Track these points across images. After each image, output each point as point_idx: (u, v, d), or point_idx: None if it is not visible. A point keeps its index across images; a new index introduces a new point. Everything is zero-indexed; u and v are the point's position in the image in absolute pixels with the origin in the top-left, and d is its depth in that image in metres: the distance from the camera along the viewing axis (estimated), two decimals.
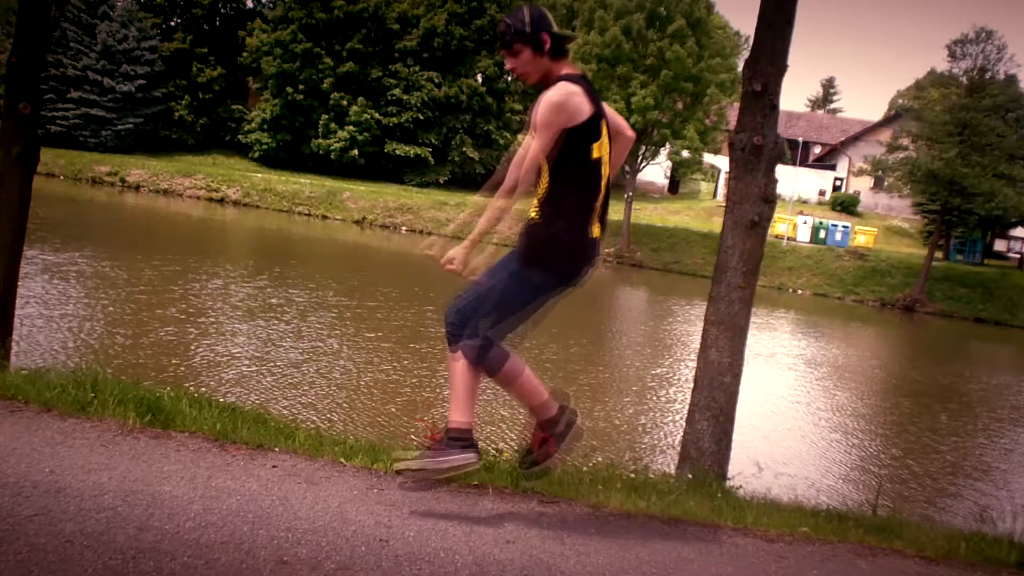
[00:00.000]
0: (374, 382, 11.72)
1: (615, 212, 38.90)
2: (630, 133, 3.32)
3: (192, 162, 44.30)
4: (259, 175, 42.27)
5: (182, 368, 10.93)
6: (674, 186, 51.74)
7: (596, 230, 3.09)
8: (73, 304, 13.92)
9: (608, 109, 3.17)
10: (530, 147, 2.97)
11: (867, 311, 31.14)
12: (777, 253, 33.34)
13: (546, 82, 3.06)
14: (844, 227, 37.55)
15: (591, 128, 2.99)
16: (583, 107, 2.96)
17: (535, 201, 3.04)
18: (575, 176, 3.01)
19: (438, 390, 11.58)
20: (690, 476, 4.49)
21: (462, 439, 3.09)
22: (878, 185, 43.10)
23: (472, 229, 3.05)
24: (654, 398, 13.26)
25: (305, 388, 10.93)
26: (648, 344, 19.00)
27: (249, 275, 20.25)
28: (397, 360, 13.13)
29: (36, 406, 3.63)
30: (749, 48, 4.83)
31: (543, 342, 14.86)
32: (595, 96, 3.03)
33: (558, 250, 3.02)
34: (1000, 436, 14.07)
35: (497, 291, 3.05)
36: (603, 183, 3.08)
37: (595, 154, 3.01)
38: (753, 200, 4.65)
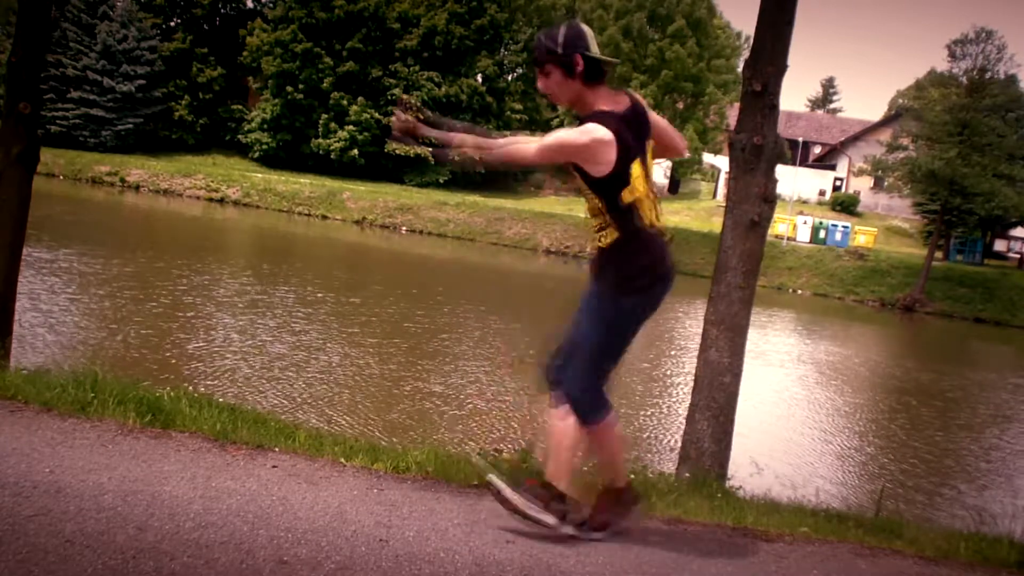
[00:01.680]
0: (374, 376, 11.72)
1: None
2: (680, 148, 3.19)
3: (192, 162, 44.29)
4: (259, 175, 42.27)
5: (178, 365, 10.93)
6: (674, 186, 51.71)
7: (660, 230, 2.99)
8: (72, 303, 13.92)
9: (659, 125, 3.03)
10: (527, 147, 2.88)
11: (867, 311, 31.14)
12: (777, 253, 33.32)
13: (579, 107, 2.92)
14: (844, 227, 37.54)
15: (617, 178, 2.84)
16: (606, 159, 2.80)
17: (598, 236, 2.95)
18: (618, 217, 2.90)
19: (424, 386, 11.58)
20: (690, 476, 4.50)
21: (558, 501, 3.00)
22: (878, 185, 43.09)
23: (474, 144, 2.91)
24: (654, 398, 13.26)
25: (299, 382, 10.93)
26: (648, 344, 18.98)
27: (248, 275, 20.25)
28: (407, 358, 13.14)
29: (36, 406, 3.63)
30: (749, 48, 4.84)
31: (542, 342, 14.84)
32: (632, 131, 2.86)
33: (633, 269, 2.92)
34: (1001, 436, 14.07)
35: (600, 343, 2.98)
36: (648, 214, 2.94)
37: (627, 199, 2.87)
38: (753, 200, 4.65)
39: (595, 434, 3.04)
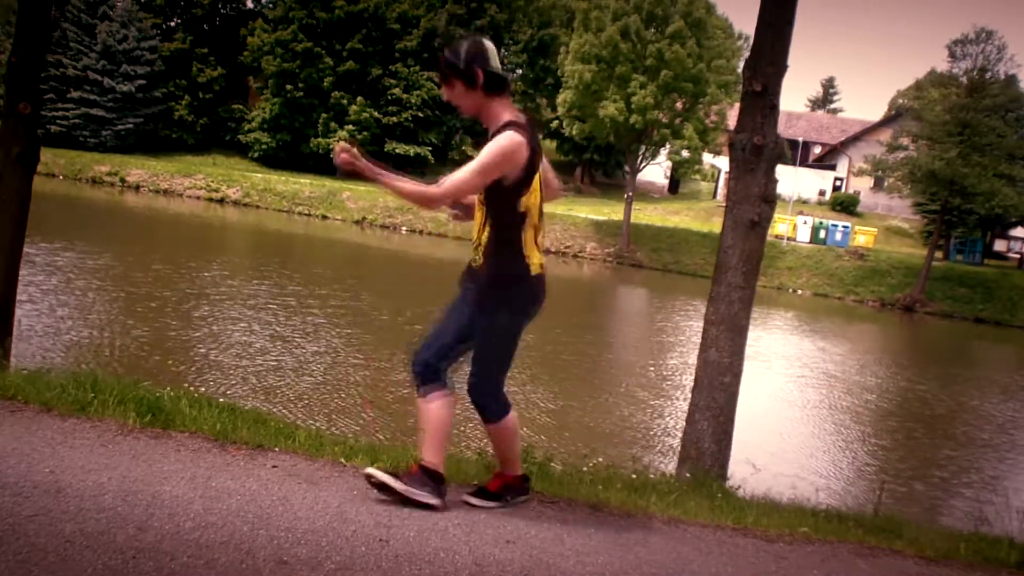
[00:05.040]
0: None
1: (615, 212, 38.94)
2: (555, 186, 3.40)
3: (192, 162, 44.30)
4: (259, 175, 42.28)
5: (179, 364, 10.94)
6: (674, 186, 51.75)
7: (537, 268, 3.16)
8: (72, 303, 13.92)
9: (544, 162, 3.24)
10: (464, 175, 3.03)
11: (867, 311, 31.15)
12: (777, 253, 33.34)
13: (482, 117, 3.14)
14: (844, 227, 37.54)
15: (523, 182, 3.06)
16: (522, 162, 3.03)
17: (479, 249, 3.14)
18: (510, 221, 3.08)
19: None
20: (690, 476, 4.49)
21: (436, 479, 3.15)
22: (878, 185, 43.09)
23: (386, 181, 3.08)
24: (654, 398, 13.26)
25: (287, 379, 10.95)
26: (648, 344, 19.00)
27: (249, 275, 20.25)
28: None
29: (36, 406, 3.63)
30: (749, 48, 4.84)
31: (543, 342, 14.85)
32: (534, 146, 3.09)
33: (513, 287, 3.12)
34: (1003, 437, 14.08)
35: (492, 354, 3.21)
36: (531, 225, 3.13)
37: (522, 206, 3.08)
38: (753, 200, 4.65)
39: (496, 431, 3.28)
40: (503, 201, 3.07)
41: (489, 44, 3.13)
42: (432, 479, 3.13)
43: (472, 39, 3.15)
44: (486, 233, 3.11)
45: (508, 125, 3.06)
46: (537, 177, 3.12)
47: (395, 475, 3.15)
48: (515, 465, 3.36)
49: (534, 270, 3.15)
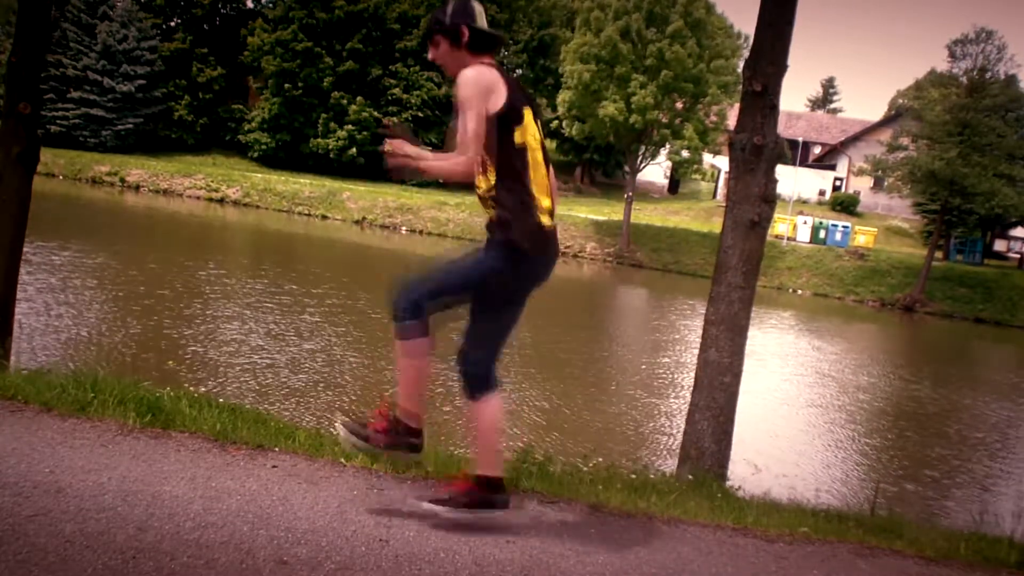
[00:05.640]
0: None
1: (615, 212, 38.93)
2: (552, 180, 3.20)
3: (192, 162, 44.30)
4: (259, 175, 42.28)
5: (181, 364, 10.94)
6: (674, 186, 51.75)
7: (547, 219, 2.99)
8: (72, 303, 13.92)
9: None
10: (466, 128, 2.86)
11: (867, 311, 31.14)
12: (777, 253, 33.34)
13: None
14: (844, 227, 37.55)
15: (509, 113, 2.91)
16: (498, 85, 2.89)
17: (487, 197, 2.97)
18: (511, 164, 2.93)
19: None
20: (690, 476, 4.49)
21: (408, 434, 3.06)
22: (878, 185, 43.09)
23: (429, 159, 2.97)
24: (654, 398, 13.26)
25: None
26: (648, 344, 19.00)
27: (247, 276, 20.25)
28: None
29: (36, 406, 3.63)
30: (749, 48, 4.84)
31: (544, 342, 14.85)
32: (513, 83, 2.96)
33: (522, 234, 2.91)
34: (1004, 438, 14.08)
35: (489, 313, 3.01)
36: (537, 169, 2.98)
37: (518, 139, 2.93)
38: (753, 200, 4.65)
39: (475, 409, 3.04)
40: (496, 137, 2.91)
41: (478, 4, 3.05)
42: (407, 432, 3.05)
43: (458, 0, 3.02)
44: (491, 174, 2.94)
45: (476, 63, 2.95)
46: (530, 117, 2.97)
47: (365, 433, 3.05)
48: (492, 464, 3.06)
49: (544, 218, 2.97)
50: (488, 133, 2.89)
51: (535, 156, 2.98)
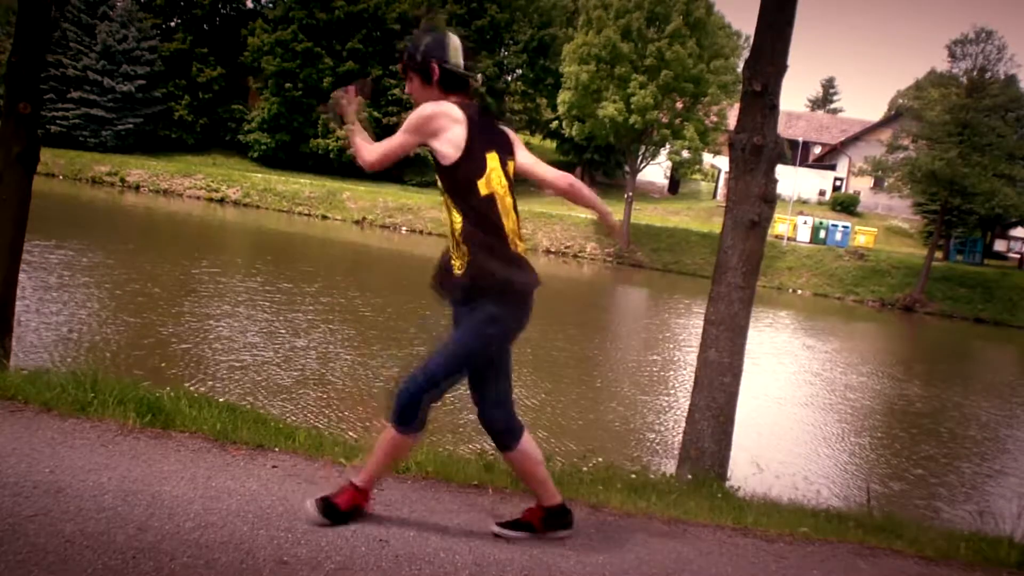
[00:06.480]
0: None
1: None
2: (551, 177, 3.14)
3: (192, 162, 44.30)
4: (259, 175, 42.28)
5: (183, 365, 10.94)
6: (674, 186, 51.72)
7: (519, 250, 2.94)
8: (72, 302, 13.92)
9: (527, 159, 3.06)
10: (391, 138, 2.96)
11: (867, 311, 31.14)
12: (777, 253, 33.34)
13: None
14: (844, 227, 37.55)
15: (469, 162, 2.84)
16: (456, 137, 2.82)
17: (454, 247, 2.89)
18: (479, 210, 2.86)
19: None
20: (690, 476, 4.50)
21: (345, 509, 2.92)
22: (878, 185, 43.08)
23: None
24: (654, 398, 13.26)
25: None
26: (648, 344, 18.99)
27: (243, 275, 20.25)
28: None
29: (36, 406, 3.63)
30: (749, 48, 4.84)
31: (543, 341, 14.85)
32: (484, 125, 2.90)
33: (498, 278, 2.84)
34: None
35: (458, 351, 2.89)
36: (509, 216, 2.92)
37: (483, 191, 2.86)
38: (753, 200, 4.65)
39: (512, 459, 3.02)
40: (459, 186, 2.86)
41: (454, 39, 2.96)
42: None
43: (436, 33, 2.98)
44: (459, 223, 2.86)
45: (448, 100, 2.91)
46: (495, 162, 2.89)
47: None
48: (549, 495, 3.05)
49: (520, 247, 2.93)
50: (450, 182, 2.88)
51: (504, 203, 2.90)
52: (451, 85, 2.93)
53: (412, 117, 2.88)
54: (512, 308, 2.90)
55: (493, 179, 2.88)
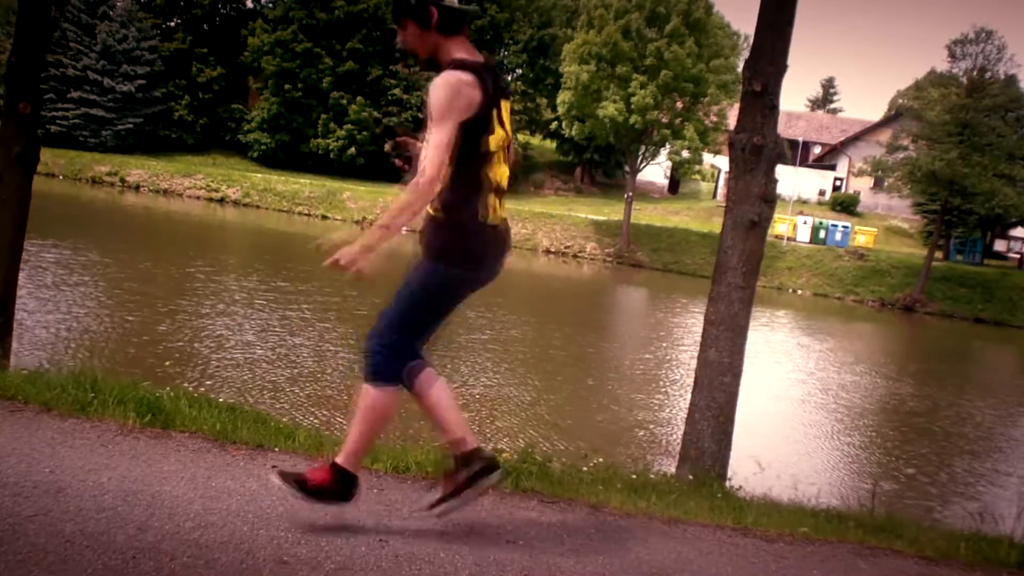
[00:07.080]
0: None
1: (615, 212, 38.91)
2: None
3: (192, 162, 44.30)
4: (259, 175, 42.29)
5: (184, 364, 10.94)
6: (674, 186, 51.71)
7: (497, 217, 2.84)
8: (72, 302, 13.93)
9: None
10: (430, 142, 2.67)
11: (867, 311, 31.14)
12: (777, 253, 33.34)
13: (437, 59, 2.82)
14: (844, 227, 37.55)
15: (482, 122, 2.74)
16: (474, 99, 2.70)
17: (436, 195, 2.78)
18: (470, 168, 2.77)
19: None
20: (690, 476, 4.50)
21: (345, 485, 2.86)
22: (878, 185, 43.07)
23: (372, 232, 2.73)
24: (654, 398, 13.26)
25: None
26: (648, 344, 18.99)
27: (242, 274, 20.25)
28: None
29: (36, 406, 3.63)
30: (749, 48, 4.84)
31: (543, 341, 14.85)
32: (493, 85, 2.77)
33: (462, 241, 2.78)
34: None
35: (408, 298, 2.83)
36: (498, 174, 2.84)
37: (486, 148, 2.77)
38: (753, 200, 4.65)
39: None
40: (463, 141, 2.74)
41: None
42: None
43: None
44: (447, 172, 2.74)
45: (451, 64, 2.74)
46: (497, 115, 2.79)
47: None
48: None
49: (492, 219, 2.81)
50: (460, 137, 2.72)
51: (499, 156, 2.83)
52: (451, 26, 2.79)
53: (435, 104, 2.68)
54: (455, 273, 2.82)
55: (495, 137, 2.80)
